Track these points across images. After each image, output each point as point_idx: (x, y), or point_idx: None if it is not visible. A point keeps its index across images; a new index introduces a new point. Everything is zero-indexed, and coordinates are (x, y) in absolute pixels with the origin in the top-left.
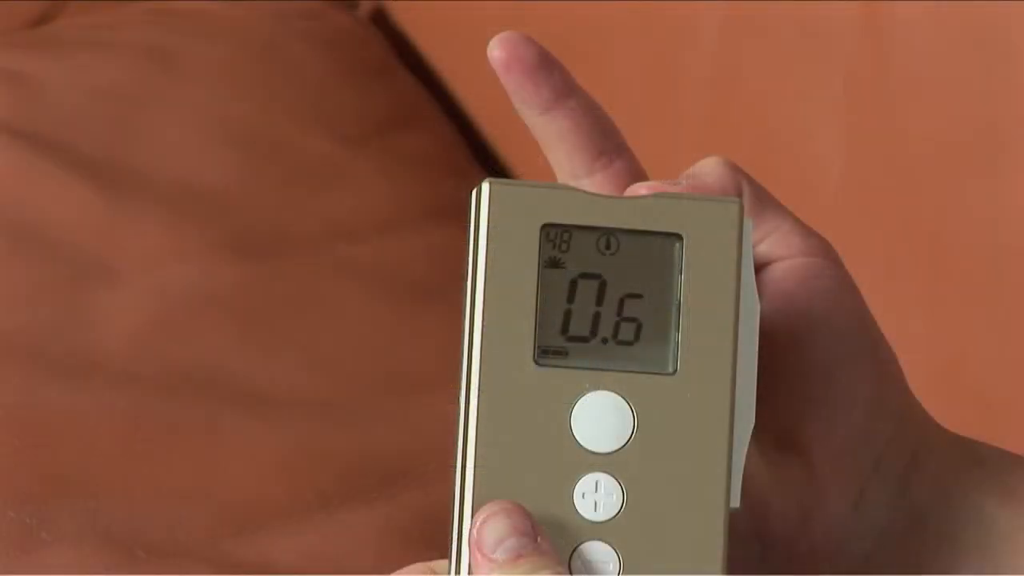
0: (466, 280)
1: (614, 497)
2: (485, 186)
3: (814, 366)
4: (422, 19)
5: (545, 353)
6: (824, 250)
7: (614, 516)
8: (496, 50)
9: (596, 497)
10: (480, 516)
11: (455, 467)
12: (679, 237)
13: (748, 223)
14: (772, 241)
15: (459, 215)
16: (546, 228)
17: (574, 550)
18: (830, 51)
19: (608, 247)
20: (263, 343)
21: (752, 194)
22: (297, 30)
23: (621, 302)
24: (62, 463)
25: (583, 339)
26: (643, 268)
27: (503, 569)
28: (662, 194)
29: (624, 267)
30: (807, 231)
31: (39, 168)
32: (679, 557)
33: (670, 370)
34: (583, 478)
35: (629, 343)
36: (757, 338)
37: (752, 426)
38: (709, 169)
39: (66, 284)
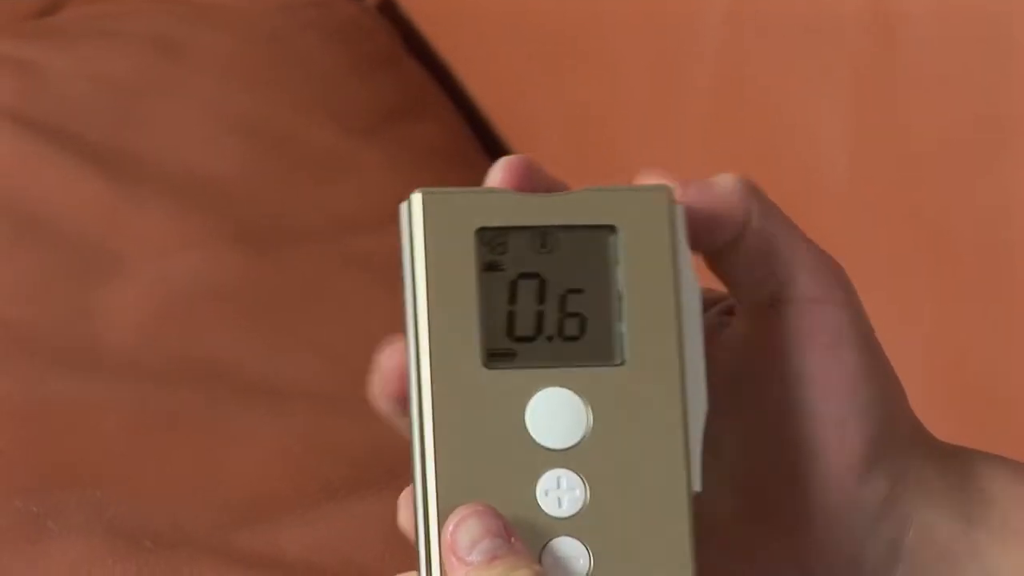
0: (405, 293)
1: (577, 492)
2: (416, 196)
3: (809, 435)
4: (429, 9)
5: (493, 356)
6: (829, 284)
7: (579, 511)
8: (500, 173)
9: (559, 493)
10: (452, 520)
11: (413, 478)
12: (613, 229)
13: (679, 209)
14: (779, 279)
15: None
16: (481, 232)
17: (543, 548)
18: (836, 46)
19: (544, 245)
20: (269, 334)
21: (762, 215)
22: (304, 20)
23: (563, 299)
24: (68, 453)
25: (529, 339)
26: (581, 263)
27: (479, 571)
28: (592, 188)
29: (562, 263)
30: (817, 262)
31: (45, 157)
32: (648, 546)
33: (618, 361)
34: (544, 475)
35: (575, 338)
36: (701, 320)
37: (706, 408)
38: (724, 180)
39: (72, 274)
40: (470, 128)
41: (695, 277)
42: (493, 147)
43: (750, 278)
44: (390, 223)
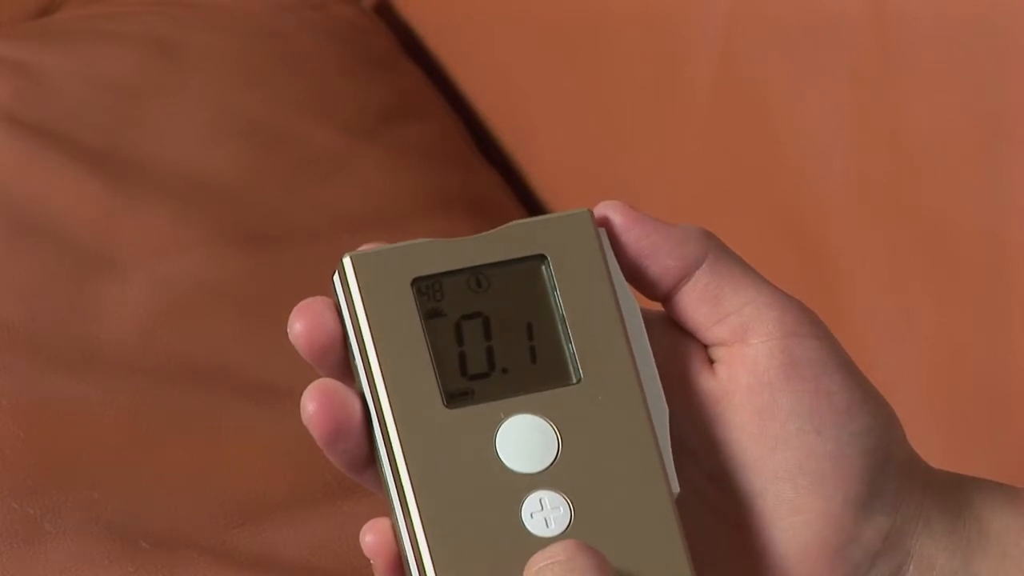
0: (353, 355)
1: (561, 510)
2: (346, 259)
3: (799, 470)
4: (426, 10)
5: (453, 397)
6: (801, 320)
7: (567, 527)
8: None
9: (544, 514)
10: None
11: (397, 529)
12: (543, 257)
13: (602, 231)
14: (747, 315)
15: (464, 206)
16: (416, 283)
17: None
18: (835, 46)
19: (479, 285)
20: (268, 334)
21: (719, 262)
22: (302, 21)
23: (509, 331)
24: (66, 454)
25: (484, 375)
26: (519, 295)
27: None
28: (515, 222)
29: (501, 299)
30: (783, 303)
31: (43, 159)
32: (642, 552)
33: (575, 380)
34: (526, 500)
35: (529, 366)
36: (643, 328)
37: (667, 410)
38: (686, 228)
39: (70, 275)
40: (467, 128)
41: (629, 289)
42: (491, 148)
43: (709, 318)
44: (389, 222)
